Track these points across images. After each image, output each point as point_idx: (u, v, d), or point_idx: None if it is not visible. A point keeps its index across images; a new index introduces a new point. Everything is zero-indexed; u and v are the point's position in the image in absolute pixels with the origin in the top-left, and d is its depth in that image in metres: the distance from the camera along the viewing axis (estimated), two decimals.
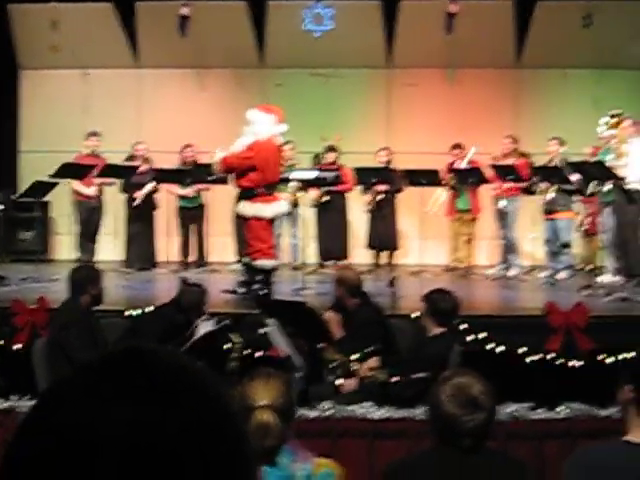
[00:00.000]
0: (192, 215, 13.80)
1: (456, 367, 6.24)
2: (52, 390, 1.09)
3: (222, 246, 14.17)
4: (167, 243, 13.10)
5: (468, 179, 12.94)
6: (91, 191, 13.28)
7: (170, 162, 13.44)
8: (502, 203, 12.91)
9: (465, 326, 7.89)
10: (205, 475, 1.04)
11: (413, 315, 8.04)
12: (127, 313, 8.58)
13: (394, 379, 6.75)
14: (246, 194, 9.98)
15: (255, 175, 9.82)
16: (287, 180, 12.50)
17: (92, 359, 1.13)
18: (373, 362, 7.03)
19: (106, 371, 1.08)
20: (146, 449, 1.01)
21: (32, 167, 14.56)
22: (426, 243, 13.04)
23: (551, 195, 12.27)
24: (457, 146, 13.64)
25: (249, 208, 9.92)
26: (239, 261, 13.10)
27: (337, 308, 7.75)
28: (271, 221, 10.08)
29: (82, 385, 1.06)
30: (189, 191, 13.65)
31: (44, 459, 1.02)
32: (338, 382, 7.01)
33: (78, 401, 1.04)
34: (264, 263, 9.94)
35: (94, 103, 15.75)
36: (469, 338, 7.96)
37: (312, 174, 12.17)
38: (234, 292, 10.04)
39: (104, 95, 15.80)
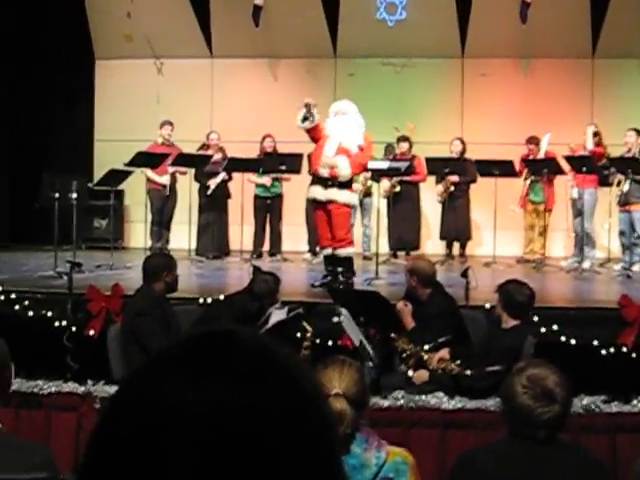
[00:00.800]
0: (267, 204, 13.86)
1: (530, 359, 6.20)
2: (138, 371, 1.10)
3: (295, 235, 14.22)
4: (241, 232, 13.15)
5: (543, 170, 12.81)
6: (164, 180, 13.43)
7: (243, 151, 13.49)
8: (574, 193, 12.78)
9: (538, 318, 7.84)
10: (293, 458, 1.04)
11: (487, 305, 8.00)
12: (200, 301, 8.65)
13: (467, 371, 6.72)
14: (347, 184, 10.14)
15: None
16: None
17: (176, 341, 1.14)
18: (445, 353, 7.00)
19: (192, 353, 1.08)
20: (233, 431, 1.01)
21: (107, 156, 14.72)
22: (500, 234, 12.91)
23: (627, 186, 12.11)
24: (532, 139, 13.47)
25: (350, 196, 10.17)
26: (314, 252, 13.19)
27: (409, 298, 7.73)
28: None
29: (167, 366, 1.07)
30: (267, 180, 13.71)
31: (132, 441, 1.02)
32: (410, 372, 7.00)
33: (164, 382, 1.04)
34: (349, 251, 10.16)
35: (167, 93, 15.90)
36: (543, 330, 7.90)
37: (384, 164, 12.14)
38: (322, 285, 9.98)
39: (177, 85, 15.92)
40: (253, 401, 1.03)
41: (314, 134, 10.15)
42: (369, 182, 13.48)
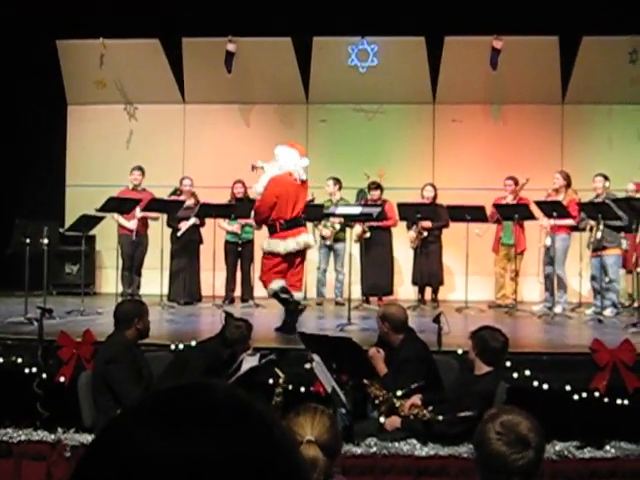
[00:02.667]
0: (238, 250, 13.84)
1: (502, 404, 6.19)
2: (112, 423, 1.10)
3: None
4: (213, 277, 13.13)
5: (514, 215, 12.87)
6: (131, 224, 13.38)
7: (214, 197, 13.50)
8: (547, 241, 12.83)
9: (510, 363, 7.84)
10: None
11: (460, 351, 7.99)
12: (172, 347, 8.61)
13: (439, 417, 6.69)
14: (270, 230, 10.29)
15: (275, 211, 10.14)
16: (331, 215, 12.61)
17: (149, 393, 1.14)
18: (416, 399, 6.97)
19: (164, 405, 1.08)
20: None
21: (79, 201, 14.71)
22: (472, 279, 12.95)
23: (600, 233, 12.19)
24: (511, 178, 13.53)
25: (266, 243, 10.28)
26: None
27: (381, 344, 7.71)
28: (285, 257, 10.13)
29: (140, 418, 1.07)
30: (236, 227, 13.72)
31: None
32: (382, 419, 6.97)
33: (137, 434, 1.04)
34: (274, 284, 10.08)
35: (140, 138, 15.92)
36: (515, 375, 7.91)
37: (356, 210, 12.18)
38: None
39: (149, 130, 15.94)
40: (226, 452, 1.03)
41: None
42: (337, 226, 13.53)
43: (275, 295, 10.16)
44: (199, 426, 1.04)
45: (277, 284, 10.08)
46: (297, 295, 10.23)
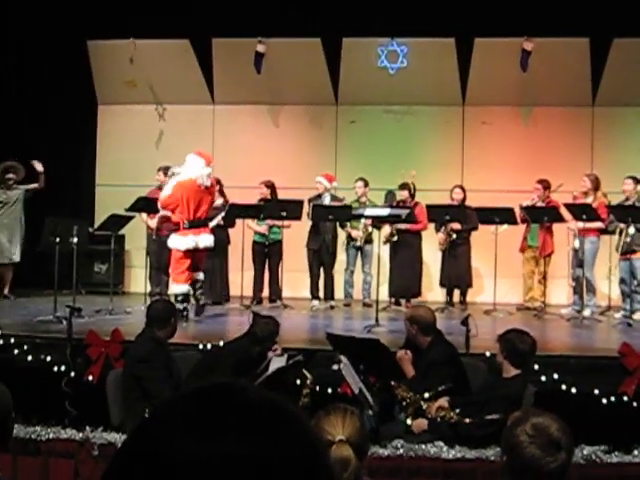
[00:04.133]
0: (266, 251, 13.84)
1: (528, 408, 6.16)
2: (147, 424, 1.10)
3: (296, 282, 14.21)
4: (241, 278, 13.13)
5: (543, 217, 12.81)
6: (152, 223, 13.34)
7: (243, 197, 13.50)
8: (576, 244, 12.76)
9: (538, 366, 7.81)
10: None
11: (487, 354, 7.98)
12: (200, 347, 8.63)
13: (466, 419, 6.67)
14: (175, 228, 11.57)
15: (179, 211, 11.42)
16: (361, 216, 12.61)
17: (184, 394, 1.14)
18: (444, 401, 6.96)
19: (200, 407, 1.08)
20: None
21: (108, 200, 14.79)
22: (500, 282, 12.90)
23: (630, 235, 12.12)
24: (543, 181, 13.45)
25: (170, 239, 11.59)
26: (317, 297, 13.38)
27: (409, 346, 7.71)
28: (187, 252, 11.41)
29: (176, 421, 1.07)
30: (264, 228, 13.71)
31: None
32: (409, 421, 6.96)
33: (175, 437, 1.04)
34: (177, 287, 11.53)
35: (169, 138, 15.97)
36: (543, 378, 7.88)
37: (385, 211, 12.18)
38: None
39: (179, 130, 15.98)
40: (263, 454, 1.04)
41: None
42: (369, 228, 13.51)
43: (175, 297, 11.30)
44: (235, 428, 1.05)
45: (181, 289, 11.43)
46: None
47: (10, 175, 14.13)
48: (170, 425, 1.07)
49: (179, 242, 11.40)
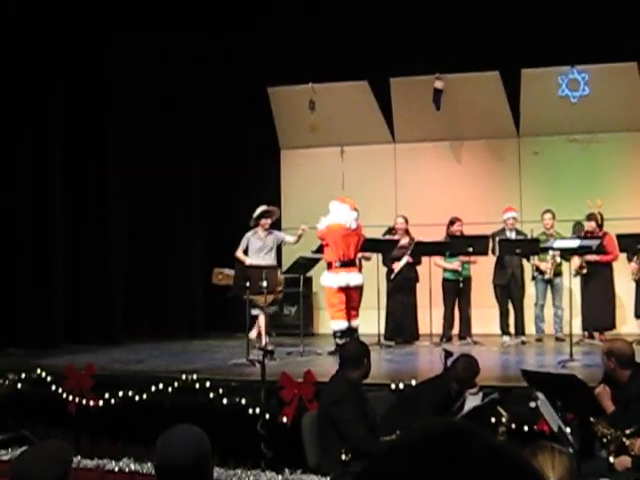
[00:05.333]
0: (459, 288, 13.73)
1: None
2: (381, 468, 1.09)
3: (484, 318, 14.04)
4: (430, 315, 13.07)
5: None
6: None
7: (428, 234, 13.47)
8: None
9: None
10: None
11: None
12: (392, 387, 8.62)
13: None
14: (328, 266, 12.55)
15: (329, 251, 12.47)
16: (549, 249, 12.40)
17: (408, 438, 1.12)
18: None
19: (428, 451, 1.06)
20: None
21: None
22: None
23: None
24: None
25: (323, 278, 12.56)
26: (508, 333, 13.20)
27: (607, 381, 7.48)
28: (340, 290, 12.29)
29: (404, 466, 1.05)
30: (457, 264, 13.61)
31: None
32: (612, 458, 6.74)
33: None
34: (335, 324, 12.28)
35: (351, 179, 16.10)
36: None
37: (574, 242, 11.93)
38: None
39: (360, 171, 16.11)
40: None
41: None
42: (558, 259, 13.25)
43: (334, 334, 12.23)
44: (467, 474, 1.03)
45: (339, 326, 12.21)
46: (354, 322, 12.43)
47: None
48: (407, 470, 1.05)
49: (332, 280, 12.33)
